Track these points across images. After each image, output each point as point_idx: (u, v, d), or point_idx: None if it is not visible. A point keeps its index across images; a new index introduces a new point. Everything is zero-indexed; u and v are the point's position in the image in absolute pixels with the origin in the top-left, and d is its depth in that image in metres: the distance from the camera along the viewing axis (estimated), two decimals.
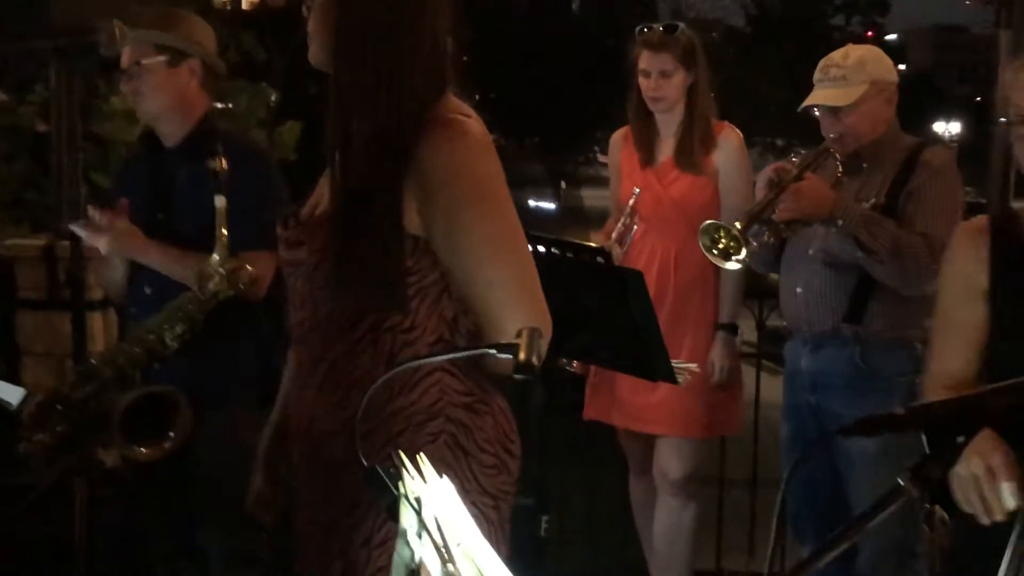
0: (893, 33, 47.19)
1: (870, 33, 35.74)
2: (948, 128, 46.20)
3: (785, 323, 3.41)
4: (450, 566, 1.00)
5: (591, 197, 28.00)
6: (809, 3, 35.84)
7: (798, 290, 3.22)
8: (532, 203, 28.68)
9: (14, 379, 3.61)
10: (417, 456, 1.13)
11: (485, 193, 1.80)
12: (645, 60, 3.55)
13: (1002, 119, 2.12)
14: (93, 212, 2.84)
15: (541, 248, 2.61)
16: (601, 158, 25.50)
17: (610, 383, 3.65)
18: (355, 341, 1.82)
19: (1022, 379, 1.53)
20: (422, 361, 1.80)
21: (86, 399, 2.63)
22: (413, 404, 1.83)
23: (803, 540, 3.35)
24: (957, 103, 48.05)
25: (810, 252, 3.19)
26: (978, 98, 42.97)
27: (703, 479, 3.81)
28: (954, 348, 2.22)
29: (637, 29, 3.64)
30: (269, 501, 2.06)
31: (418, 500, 1.07)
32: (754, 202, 3.16)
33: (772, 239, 3.19)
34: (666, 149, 3.63)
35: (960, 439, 1.31)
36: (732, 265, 3.11)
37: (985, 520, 1.71)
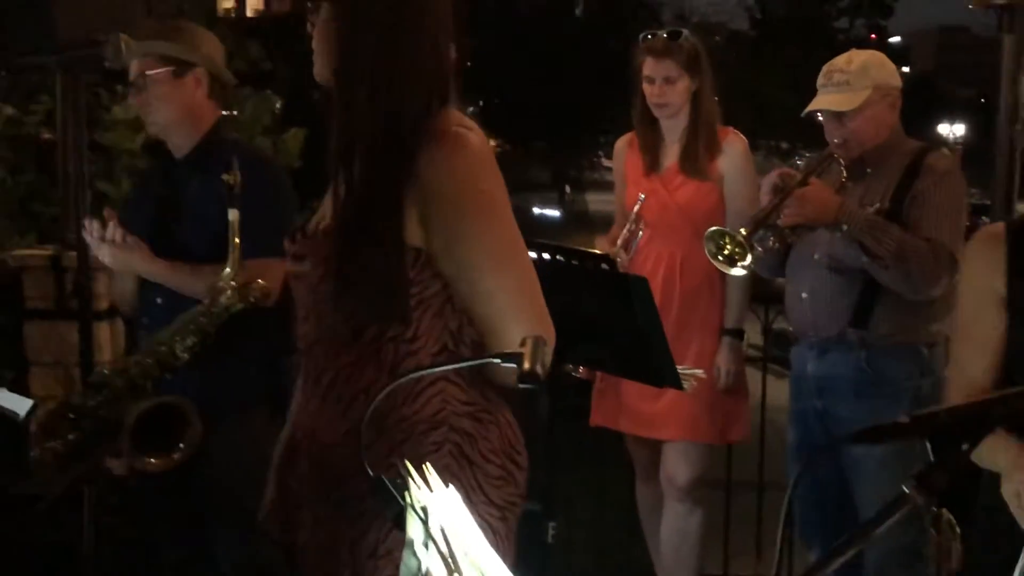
0: (897, 35, 47.16)
1: (874, 36, 35.73)
2: (952, 130, 46.11)
3: (790, 327, 3.42)
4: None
5: (596, 202, 28.02)
6: (813, 6, 35.84)
7: (803, 295, 3.22)
8: (537, 208, 28.68)
9: (22, 389, 3.62)
10: (422, 465, 1.13)
11: (484, 206, 1.82)
12: (649, 67, 3.56)
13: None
14: (89, 224, 2.84)
15: (546, 255, 2.62)
16: (606, 163, 25.48)
17: (616, 389, 3.65)
18: (358, 352, 1.84)
19: None
20: (427, 372, 1.81)
21: (97, 408, 2.65)
22: (416, 414, 1.84)
23: (810, 544, 3.36)
24: (961, 105, 47.98)
25: (815, 257, 3.19)
26: (982, 99, 42.91)
27: (710, 483, 3.81)
28: (974, 355, 2.22)
29: (641, 36, 3.65)
30: (281, 513, 2.07)
31: (424, 510, 1.07)
32: (759, 207, 3.17)
33: (777, 244, 3.19)
34: (671, 155, 3.63)
35: (965, 447, 1.31)
36: (737, 271, 3.11)
37: None
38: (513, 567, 1.03)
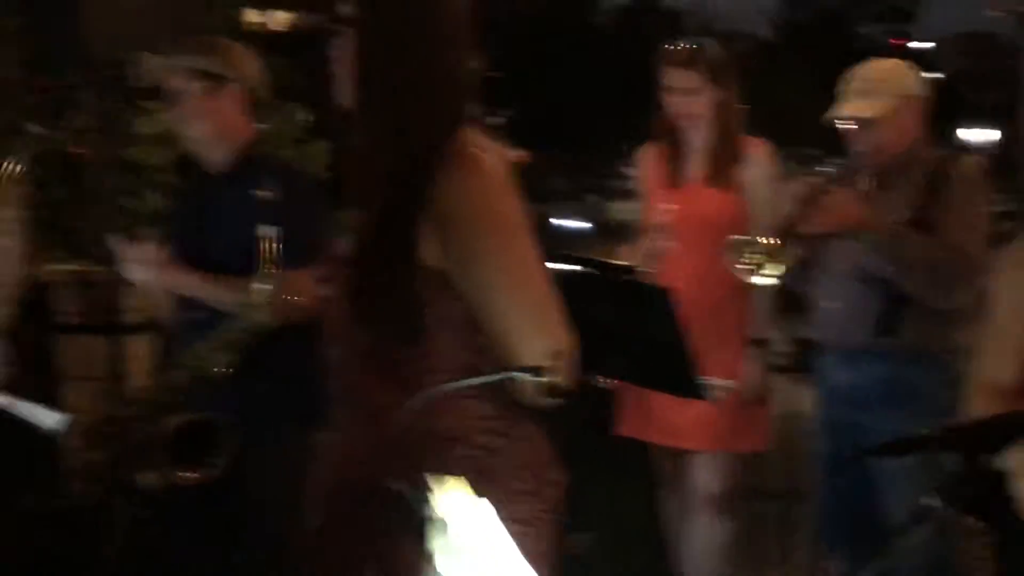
0: (921, 41, 46.91)
1: (900, 41, 35.57)
2: (977, 135, 45.77)
3: (816, 336, 3.41)
4: None
5: (620, 211, 27.95)
6: (836, 13, 35.74)
7: (830, 305, 3.21)
8: (560, 218, 28.63)
9: (52, 403, 3.65)
10: (445, 480, 1.14)
11: (500, 226, 1.86)
12: (672, 77, 3.56)
13: None
14: (114, 243, 2.87)
15: (569, 266, 2.63)
16: (630, 172, 25.43)
17: (642, 399, 3.65)
18: (378, 370, 1.87)
19: None
20: (450, 387, 1.83)
21: (131, 422, 2.67)
22: (437, 429, 1.86)
23: (837, 552, 3.34)
24: (985, 110, 47.62)
25: (840, 267, 3.18)
26: (1008, 105, 42.60)
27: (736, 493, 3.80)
28: (1004, 359, 2.22)
29: (663, 46, 3.65)
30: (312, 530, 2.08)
31: (446, 523, 1.08)
32: (783, 217, 3.16)
33: (802, 254, 3.19)
34: (695, 165, 3.63)
35: (990, 457, 1.31)
36: (763, 280, 3.11)
37: None
38: None
